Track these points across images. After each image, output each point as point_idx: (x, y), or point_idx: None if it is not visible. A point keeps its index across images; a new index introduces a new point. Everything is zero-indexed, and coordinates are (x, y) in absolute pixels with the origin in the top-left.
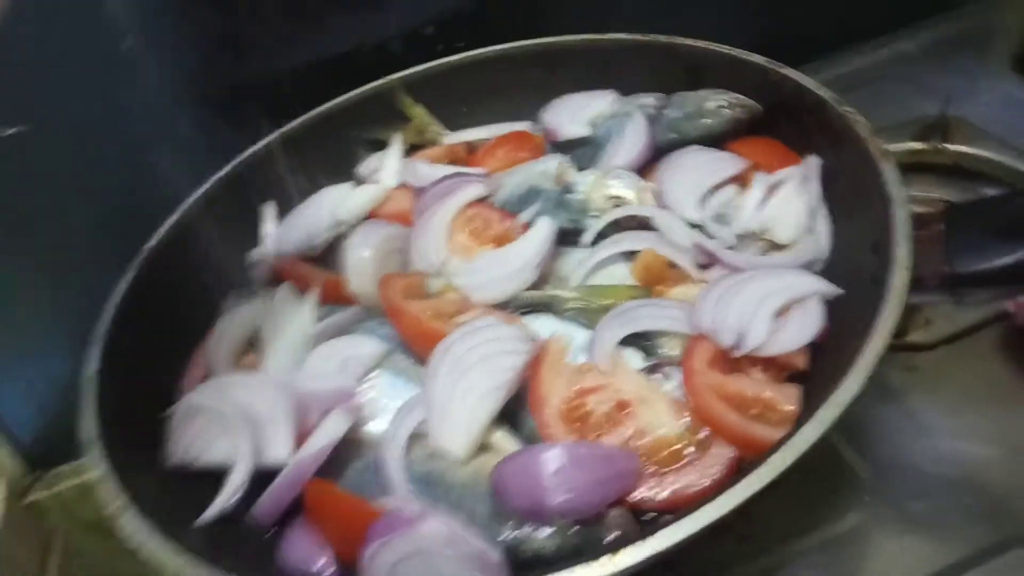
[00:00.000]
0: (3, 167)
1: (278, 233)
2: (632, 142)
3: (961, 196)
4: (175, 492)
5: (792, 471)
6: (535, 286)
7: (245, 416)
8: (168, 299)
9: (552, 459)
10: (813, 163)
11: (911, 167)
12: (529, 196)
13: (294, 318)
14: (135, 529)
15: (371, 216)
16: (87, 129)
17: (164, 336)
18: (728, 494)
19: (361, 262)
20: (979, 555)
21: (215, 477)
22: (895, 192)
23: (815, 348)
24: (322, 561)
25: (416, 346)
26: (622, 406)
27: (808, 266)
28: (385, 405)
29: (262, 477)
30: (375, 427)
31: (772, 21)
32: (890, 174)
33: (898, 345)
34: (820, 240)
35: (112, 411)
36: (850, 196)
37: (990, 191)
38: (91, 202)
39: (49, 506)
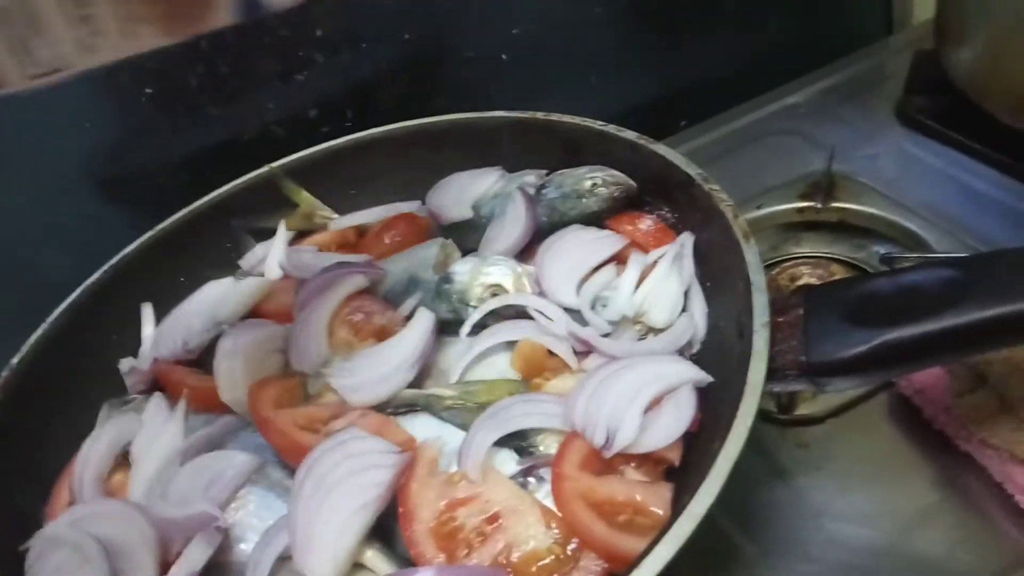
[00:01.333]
0: None
1: (155, 336)
2: (512, 226)
3: (852, 252)
4: None
5: None
6: (418, 380)
7: (105, 549)
8: (35, 419)
9: None
10: (686, 240)
11: (801, 225)
12: (410, 285)
13: (163, 432)
14: None
15: (255, 312)
16: None
17: (30, 461)
18: None
19: (231, 368)
20: None
21: None
22: (755, 277)
23: (689, 437)
24: None
25: (288, 458)
26: (493, 519)
27: (685, 348)
28: (255, 525)
29: None
30: (245, 549)
31: (665, 80)
32: (751, 257)
33: (787, 420)
34: (696, 321)
35: None
36: (720, 275)
37: (878, 247)
38: None
39: None
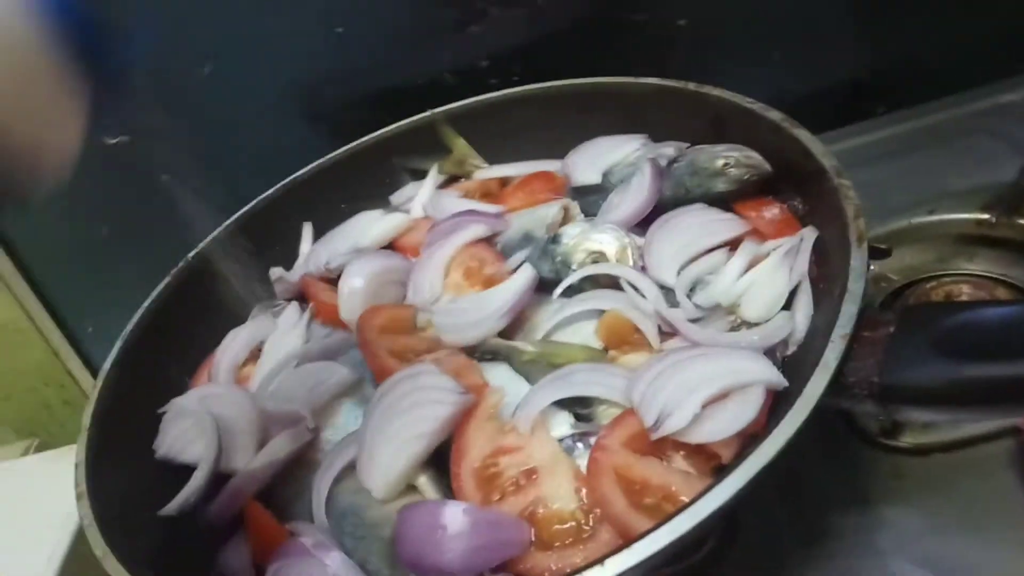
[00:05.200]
0: (108, 168)
1: (309, 253)
2: (633, 196)
3: None
4: (160, 482)
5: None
6: (510, 332)
7: (218, 424)
8: (199, 307)
9: (436, 517)
10: (808, 235)
11: (980, 240)
12: (523, 241)
13: (288, 336)
14: (84, 515)
15: (393, 244)
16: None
17: (189, 340)
18: None
19: (352, 290)
20: None
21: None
22: (853, 284)
23: (750, 439)
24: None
25: (377, 379)
26: (530, 472)
27: (779, 347)
28: (341, 432)
29: None
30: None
31: (864, 61)
32: (856, 262)
33: (887, 445)
34: (796, 321)
35: (120, 402)
36: (831, 278)
37: None
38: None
39: None
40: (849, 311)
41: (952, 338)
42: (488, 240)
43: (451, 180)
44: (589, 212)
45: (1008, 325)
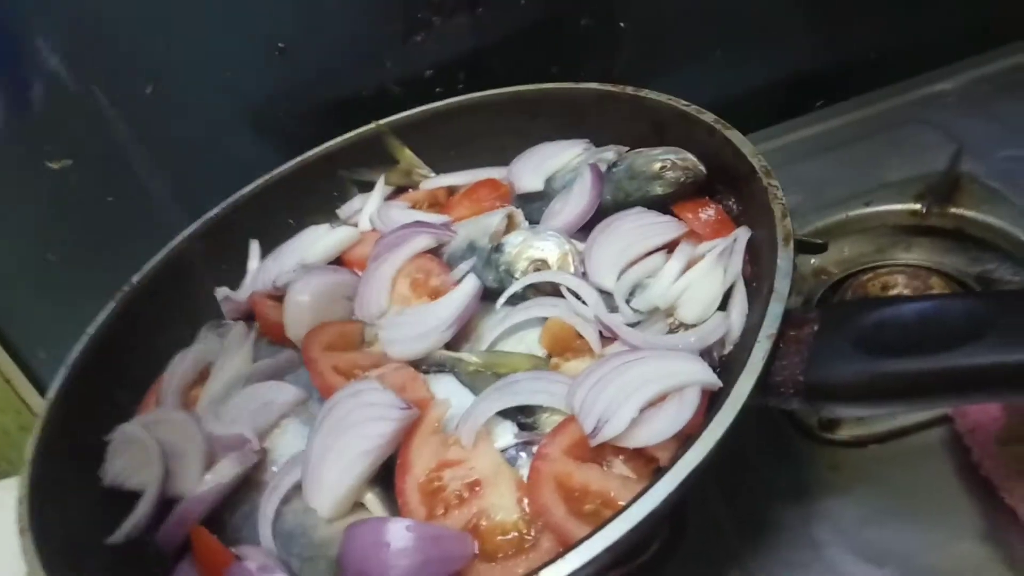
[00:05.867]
0: (53, 192)
1: (257, 271)
2: (575, 202)
3: (966, 266)
4: (108, 510)
5: None
6: (457, 343)
7: (165, 450)
8: (143, 331)
9: (380, 535)
10: (741, 236)
11: (916, 229)
12: (468, 251)
13: (236, 357)
14: (27, 550)
15: (342, 259)
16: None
17: (133, 364)
18: None
19: (298, 308)
20: None
21: None
22: (779, 284)
23: (687, 440)
24: None
25: (324, 397)
26: (474, 485)
27: (716, 347)
28: (288, 452)
29: None
30: (276, 471)
31: (804, 57)
32: (782, 262)
33: (825, 439)
34: (731, 320)
35: (65, 432)
36: (762, 276)
37: (996, 265)
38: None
39: None
40: (775, 311)
41: (871, 335)
42: (434, 251)
43: (399, 191)
44: (533, 219)
45: (924, 320)
